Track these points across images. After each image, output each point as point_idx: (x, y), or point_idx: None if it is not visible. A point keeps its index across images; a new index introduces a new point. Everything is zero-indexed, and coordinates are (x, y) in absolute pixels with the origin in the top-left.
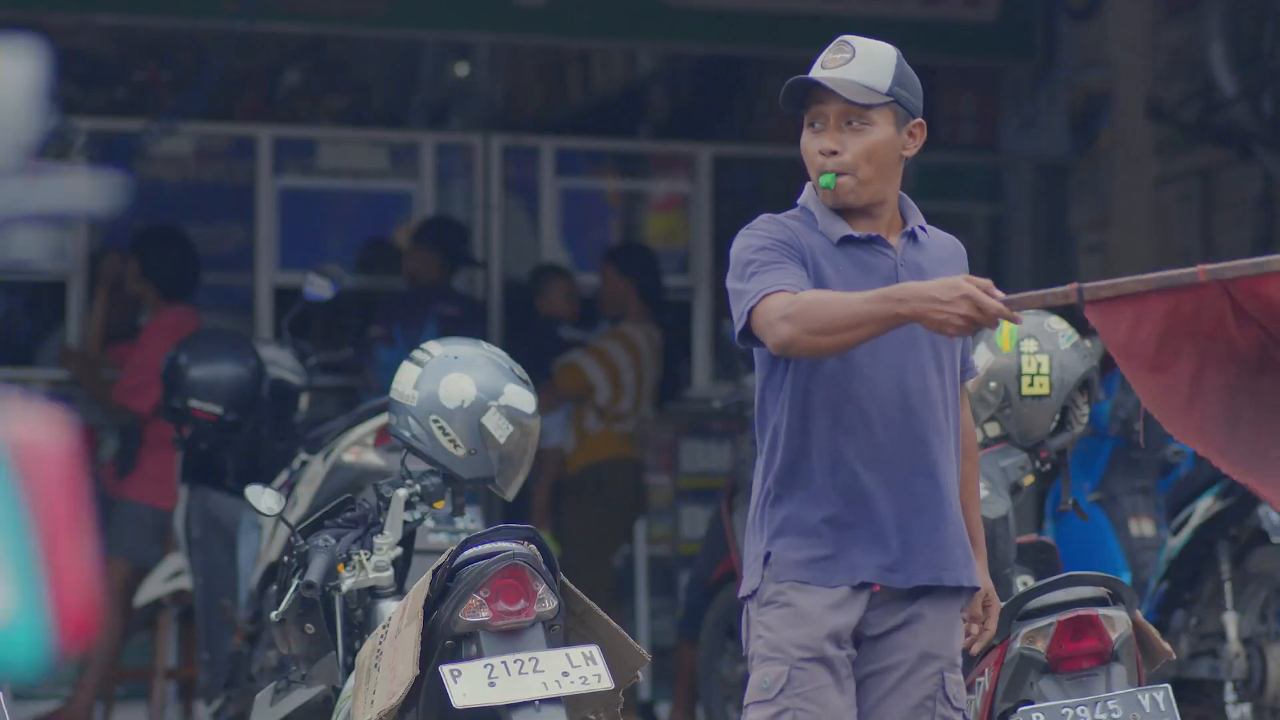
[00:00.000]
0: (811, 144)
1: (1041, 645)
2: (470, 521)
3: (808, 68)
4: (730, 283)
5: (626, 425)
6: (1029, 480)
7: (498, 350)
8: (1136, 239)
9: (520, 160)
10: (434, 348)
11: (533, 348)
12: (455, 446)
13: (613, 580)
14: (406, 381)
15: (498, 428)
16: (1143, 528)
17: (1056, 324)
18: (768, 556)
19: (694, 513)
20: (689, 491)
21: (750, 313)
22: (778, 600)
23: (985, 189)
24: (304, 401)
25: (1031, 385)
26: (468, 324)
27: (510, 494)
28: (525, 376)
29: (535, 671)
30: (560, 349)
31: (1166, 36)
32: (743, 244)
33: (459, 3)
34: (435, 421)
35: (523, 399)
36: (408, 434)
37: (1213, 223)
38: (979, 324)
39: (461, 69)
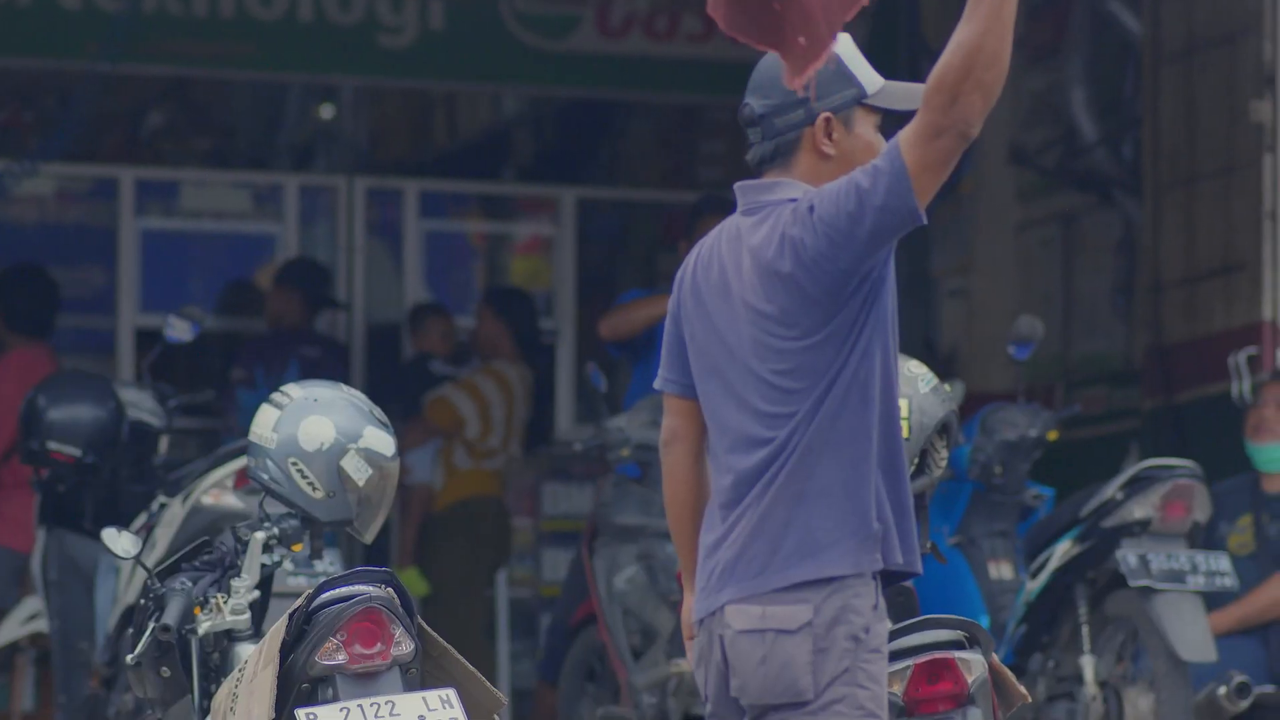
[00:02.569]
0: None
1: (898, 689)
2: (329, 564)
3: (671, 112)
4: (853, 209)
5: (495, 462)
6: None
7: (357, 393)
8: (999, 284)
9: (384, 202)
10: (293, 390)
11: (405, 383)
12: (314, 489)
13: (486, 616)
14: (265, 424)
15: (356, 470)
16: (1001, 571)
17: (916, 368)
18: (880, 578)
19: (555, 555)
20: (551, 534)
21: (908, 166)
22: (882, 648)
23: None
24: (163, 444)
25: None
26: (329, 366)
27: (368, 537)
28: (385, 420)
29: (391, 715)
30: (430, 384)
31: (1029, 82)
32: (827, 197)
33: (324, 45)
34: (294, 464)
35: (382, 442)
36: (266, 476)
37: (1074, 267)
38: None
39: (326, 111)
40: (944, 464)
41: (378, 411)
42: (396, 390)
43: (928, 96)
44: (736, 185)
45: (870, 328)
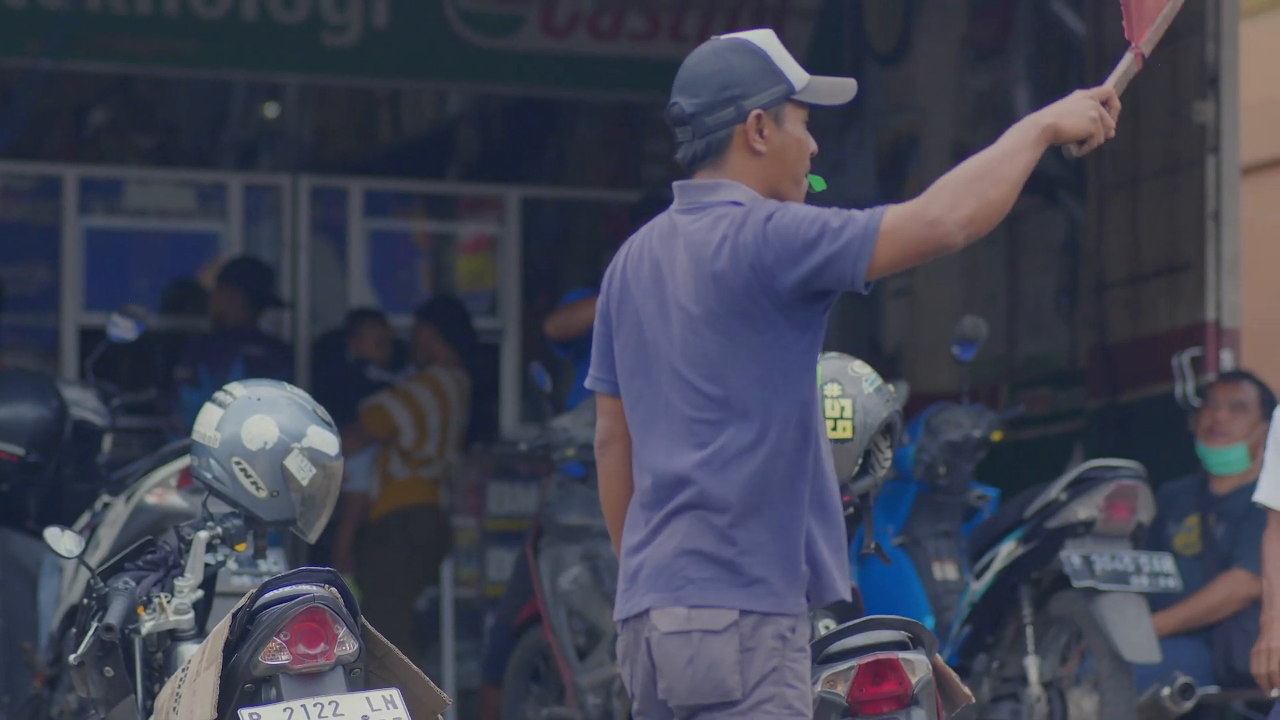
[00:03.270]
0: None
1: (841, 689)
2: (273, 564)
3: (615, 111)
4: (811, 239)
5: (431, 470)
6: None
7: (301, 392)
8: (944, 284)
9: (329, 201)
10: (237, 389)
11: (341, 388)
12: (257, 488)
13: (414, 625)
14: (209, 423)
15: (300, 470)
16: (946, 571)
17: (860, 368)
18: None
19: (500, 555)
20: (495, 533)
21: (879, 233)
22: (806, 646)
23: None
24: (107, 443)
25: (834, 429)
26: (273, 365)
27: (312, 536)
28: (328, 419)
29: (335, 715)
30: (368, 390)
31: (973, 81)
32: (790, 215)
33: (268, 43)
34: (237, 463)
35: (325, 441)
36: (210, 476)
37: (1019, 267)
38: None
39: (270, 109)
40: (888, 464)
41: (321, 411)
42: (333, 395)
43: (935, 191)
44: (676, 184)
45: (812, 372)
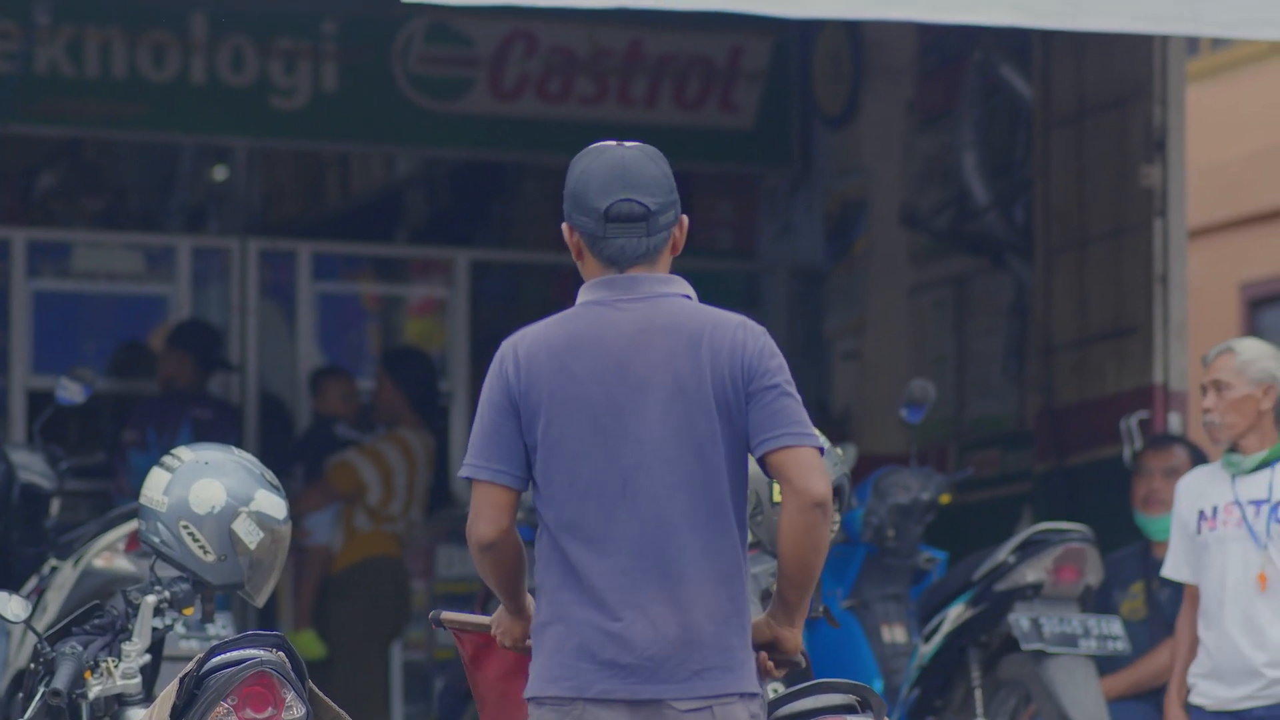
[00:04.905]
0: None
1: None
2: (221, 628)
3: (564, 174)
4: (789, 387)
5: (395, 526)
6: None
7: (248, 456)
8: (891, 346)
9: (277, 264)
10: (184, 453)
11: (307, 446)
12: (205, 552)
13: (386, 678)
14: (156, 487)
15: (248, 533)
16: (894, 634)
17: None
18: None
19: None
20: (445, 596)
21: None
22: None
23: (742, 296)
24: (55, 506)
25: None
26: (222, 428)
27: (260, 600)
28: (276, 482)
29: None
30: (335, 447)
31: (921, 145)
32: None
33: (217, 106)
34: (185, 527)
35: (273, 505)
36: (157, 540)
37: (967, 330)
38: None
39: (219, 172)
40: (836, 527)
41: (269, 474)
42: (298, 453)
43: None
44: (610, 279)
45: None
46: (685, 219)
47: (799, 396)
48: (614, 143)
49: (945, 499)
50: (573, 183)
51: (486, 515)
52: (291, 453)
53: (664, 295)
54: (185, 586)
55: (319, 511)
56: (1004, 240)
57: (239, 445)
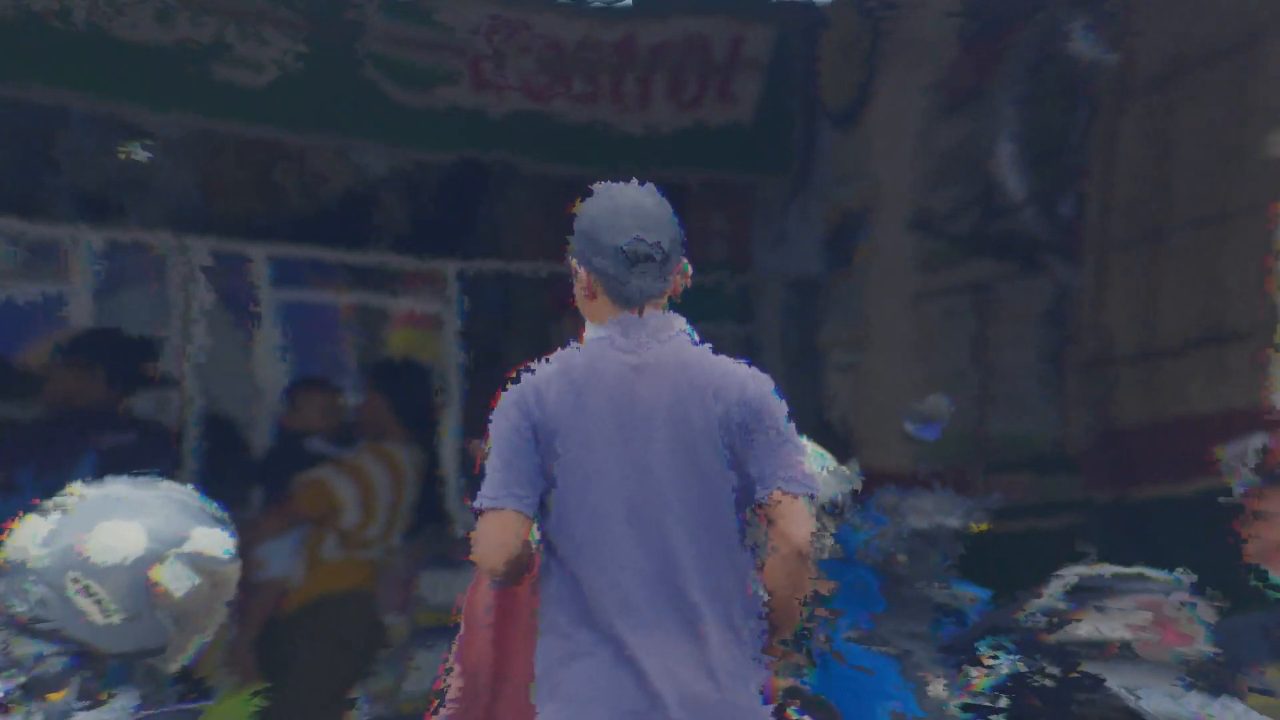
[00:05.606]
0: None
1: None
2: (121, 710)
3: (568, 180)
4: (790, 434)
5: (371, 553)
6: None
7: (182, 488)
8: (893, 358)
9: (229, 267)
10: (81, 491)
11: (270, 466)
12: (105, 613)
13: None
14: (28, 538)
15: (175, 581)
16: (937, 690)
17: (809, 447)
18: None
19: (426, 658)
20: (429, 629)
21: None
22: None
23: (736, 307)
24: None
25: None
26: (146, 455)
27: (175, 665)
28: (219, 515)
29: None
30: (305, 465)
31: (941, 136)
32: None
33: (136, 68)
34: (76, 582)
35: (215, 541)
36: (23, 608)
37: (989, 340)
38: None
39: (136, 152)
40: (831, 542)
41: (211, 507)
42: (256, 475)
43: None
44: (624, 320)
45: None
46: (689, 266)
47: (799, 443)
48: (620, 184)
49: (982, 527)
50: (586, 225)
51: (499, 541)
52: (247, 476)
53: (672, 334)
54: (58, 664)
55: (276, 539)
56: (1041, 239)
57: (171, 474)
